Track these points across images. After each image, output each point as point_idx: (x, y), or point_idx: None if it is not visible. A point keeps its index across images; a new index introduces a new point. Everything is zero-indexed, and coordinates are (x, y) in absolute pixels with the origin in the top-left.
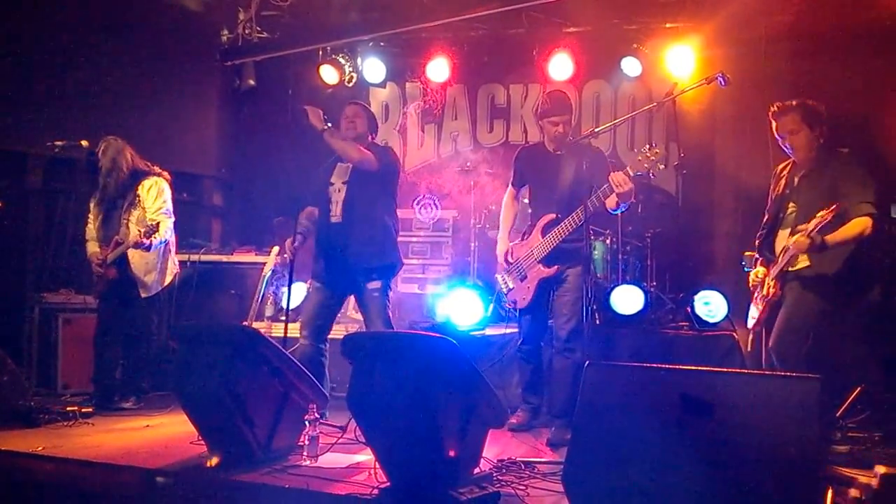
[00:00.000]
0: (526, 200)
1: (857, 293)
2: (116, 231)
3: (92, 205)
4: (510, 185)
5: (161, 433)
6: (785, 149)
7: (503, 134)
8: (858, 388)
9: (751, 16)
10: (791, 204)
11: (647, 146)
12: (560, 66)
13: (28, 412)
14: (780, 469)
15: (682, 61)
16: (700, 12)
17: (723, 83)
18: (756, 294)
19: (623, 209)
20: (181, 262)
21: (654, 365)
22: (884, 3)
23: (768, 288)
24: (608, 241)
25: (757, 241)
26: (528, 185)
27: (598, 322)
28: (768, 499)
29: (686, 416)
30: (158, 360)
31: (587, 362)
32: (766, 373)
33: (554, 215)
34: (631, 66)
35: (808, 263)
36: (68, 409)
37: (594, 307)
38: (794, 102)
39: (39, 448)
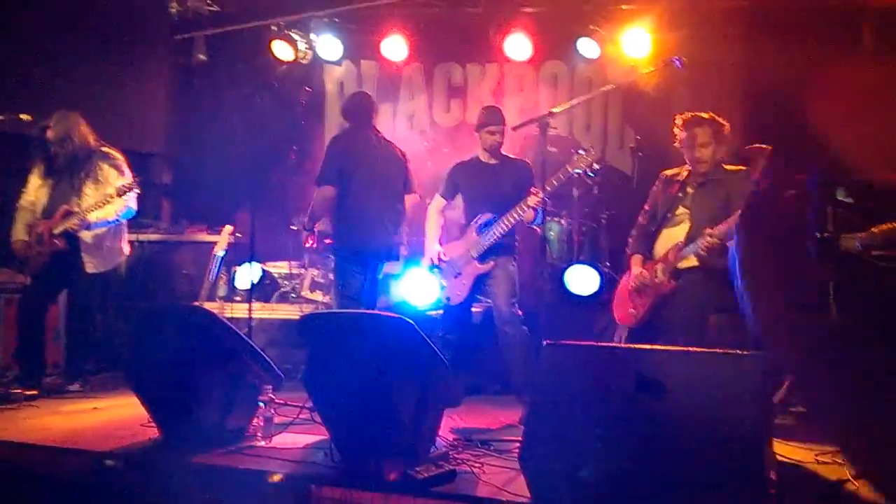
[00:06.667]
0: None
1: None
2: (66, 202)
3: (35, 175)
4: (439, 195)
5: (109, 415)
6: (689, 159)
7: (460, 114)
8: None
9: None
10: (682, 208)
11: (584, 150)
12: (517, 46)
13: None
14: (726, 443)
15: (638, 43)
16: None
17: (679, 66)
18: (636, 290)
19: (539, 222)
20: (129, 242)
21: (610, 344)
22: None
23: (663, 282)
24: (564, 222)
25: (631, 239)
26: (463, 194)
27: (552, 302)
28: (716, 472)
29: (640, 394)
30: (105, 342)
31: (544, 342)
32: (716, 351)
33: (489, 215)
34: (587, 47)
35: (696, 262)
36: (12, 391)
37: (549, 287)
38: (706, 116)
39: None
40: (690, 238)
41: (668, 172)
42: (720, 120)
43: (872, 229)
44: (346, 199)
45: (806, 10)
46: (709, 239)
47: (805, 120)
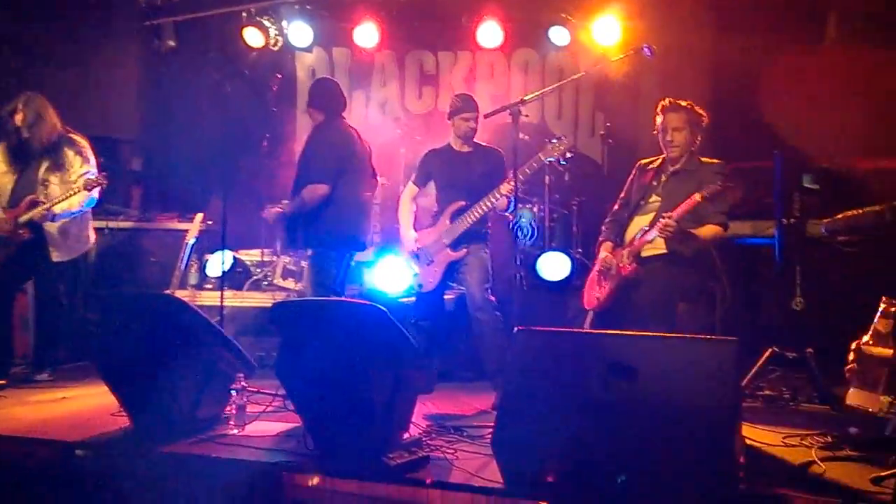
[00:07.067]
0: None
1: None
2: (32, 191)
3: None
4: (411, 183)
5: (79, 405)
6: (662, 143)
7: (432, 101)
8: (769, 350)
9: None
10: (654, 196)
11: (557, 139)
12: (489, 34)
13: None
14: (697, 427)
15: (608, 32)
16: None
17: (649, 54)
18: (601, 275)
19: (511, 210)
20: (99, 230)
21: (581, 330)
22: None
23: (624, 266)
24: (535, 209)
25: (604, 227)
26: (435, 181)
27: (525, 288)
28: (687, 456)
29: (611, 379)
30: (74, 331)
31: (516, 328)
32: (688, 336)
33: (463, 202)
34: (559, 35)
35: (663, 250)
36: None
37: (521, 273)
38: (684, 103)
39: None
40: (653, 224)
41: (644, 161)
42: (698, 110)
43: (837, 216)
44: (337, 192)
45: (774, 1)
46: (665, 220)
47: (772, 107)
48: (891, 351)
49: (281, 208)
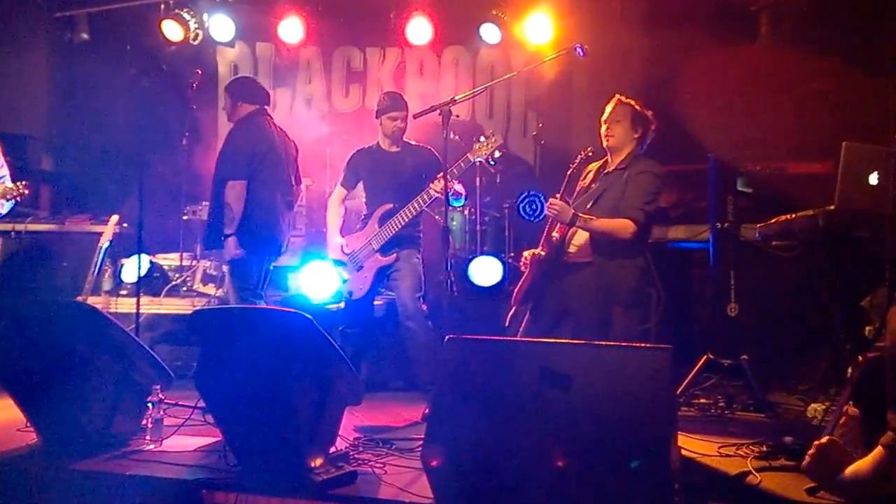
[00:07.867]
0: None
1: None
2: None
3: None
4: (339, 185)
5: None
6: (602, 135)
7: (359, 99)
8: (704, 358)
9: None
10: (590, 195)
11: (485, 137)
12: (418, 30)
13: None
14: (632, 436)
15: (540, 29)
16: None
17: (581, 54)
18: (524, 265)
19: (461, 203)
20: (5, 233)
21: (513, 338)
22: None
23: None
24: (466, 213)
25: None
26: (364, 183)
27: (455, 294)
28: (621, 467)
29: (545, 388)
30: None
31: (447, 336)
32: (622, 344)
33: (391, 205)
34: (490, 32)
35: (589, 257)
36: None
37: (452, 279)
38: (633, 101)
39: None
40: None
41: (592, 164)
42: (646, 112)
43: (771, 220)
44: (251, 191)
45: (704, 3)
46: (551, 199)
47: (704, 108)
48: None
49: (230, 232)
